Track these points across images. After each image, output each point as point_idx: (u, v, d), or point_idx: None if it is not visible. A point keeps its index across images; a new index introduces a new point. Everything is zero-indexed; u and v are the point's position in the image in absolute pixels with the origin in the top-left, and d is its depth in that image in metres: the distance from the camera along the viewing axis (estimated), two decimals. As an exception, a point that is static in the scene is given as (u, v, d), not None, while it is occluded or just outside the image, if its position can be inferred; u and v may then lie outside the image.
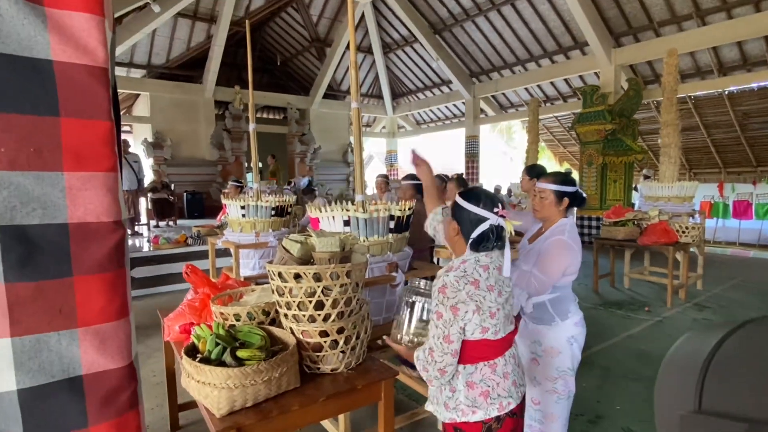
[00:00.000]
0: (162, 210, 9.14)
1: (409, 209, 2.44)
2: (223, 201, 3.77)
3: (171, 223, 9.30)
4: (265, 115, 16.44)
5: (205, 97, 11.47)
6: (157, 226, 9.20)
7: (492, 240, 1.38)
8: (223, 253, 5.95)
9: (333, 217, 2.32)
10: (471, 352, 1.36)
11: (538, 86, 11.75)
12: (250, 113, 3.90)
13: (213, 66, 10.83)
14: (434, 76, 13.57)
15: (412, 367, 1.48)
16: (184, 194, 10.62)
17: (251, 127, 3.88)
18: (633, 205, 8.70)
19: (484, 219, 1.38)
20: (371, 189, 12.34)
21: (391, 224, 2.36)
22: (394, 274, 2.36)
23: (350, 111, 14.63)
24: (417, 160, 1.92)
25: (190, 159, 11.38)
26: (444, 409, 1.39)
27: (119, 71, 11.02)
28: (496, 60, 11.48)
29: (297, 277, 1.57)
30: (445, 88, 13.67)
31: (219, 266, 4.47)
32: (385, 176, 5.88)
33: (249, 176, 16.28)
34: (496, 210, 1.40)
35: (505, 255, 1.41)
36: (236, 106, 11.89)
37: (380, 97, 15.11)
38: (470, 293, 1.32)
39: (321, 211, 2.36)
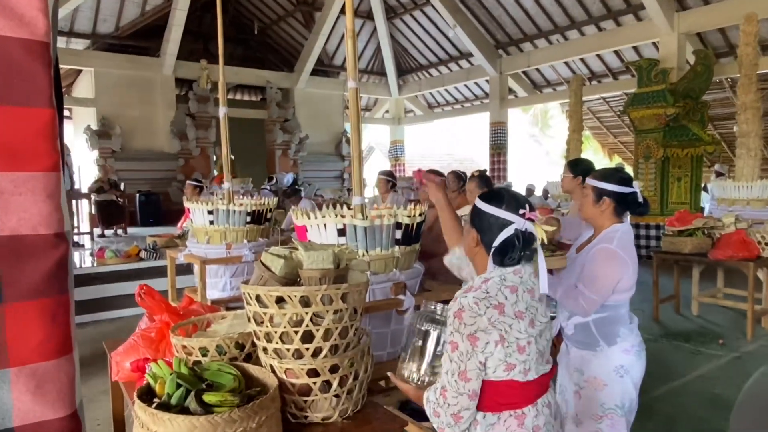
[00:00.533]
0: (109, 215, 9.19)
1: (420, 215, 2.45)
2: (186, 204, 3.79)
3: (120, 231, 9.35)
4: (238, 97, 16.57)
5: (164, 74, 11.57)
6: (102, 236, 9.25)
7: (518, 248, 1.38)
8: (186, 269, 5.96)
9: (324, 224, 2.33)
10: (493, 397, 1.34)
11: (582, 60, 11.78)
12: (221, 94, 3.92)
13: (173, 35, 10.93)
14: (450, 48, 13.62)
15: (423, 415, 1.45)
16: (137, 195, 10.69)
17: (221, 111, 3.90)
18: (702, 209, 8.68)
19: (508, 223, 1.39)
20: (371, 189, 12.36)
21: (398, 234, 2.37)
22: (401, 296, 2.36)
23: (346, 91, 14.79)
24: (427, 178, 1.97)
25: (145, 151, 11.46)
26: None
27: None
28: (528, 27, 11.52)
29: (280, 301, 1.57)
30: (464, 63, 13.71)
31: (180, 286, 4.48)
32: (389, 173, 5.90)
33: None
34: (522, 212, 1.39)
35: (540, 267, 1.41)
36: (202, 85, 12.00)
37: (383, 74, 15.19)
38: (493, 319, 1.30)
39: (309, 218, 2.37)
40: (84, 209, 9.41)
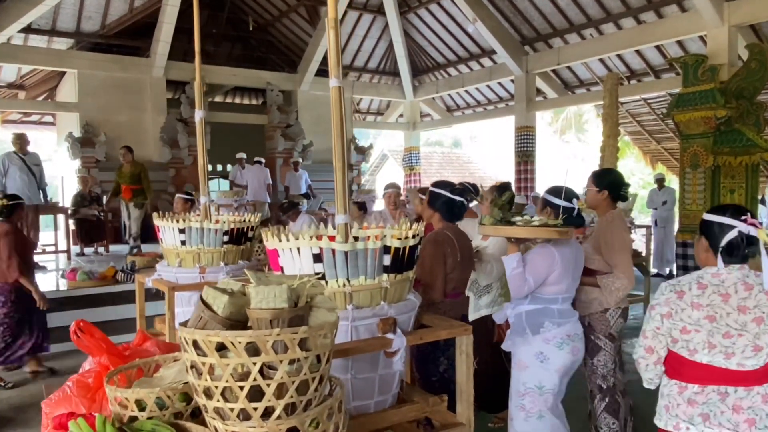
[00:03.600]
0: (89, 232, 9.15)
1: (414, 236, 2.26)
2: (156, 222, 3.65)
3: (101, 249, 9.30)
4: (237, 100, 16.62)
5: (154, 75, 11.59)
6: (81, 254, 9.20)
7: (742, 248, 1.93)
8: (159, 295, 5.85)
9: (298, 249, 2.15)
10: (666, 364, 2.02)
11: (619, 57, 11.54)
12: (197, 94, 3.80)
13: (164, 34, 10.96)
14: (471, 45, 13.49)
15: None
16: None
17: (198, 115, 3.78)
18: (760, 224, 8.33)
19: (729, 228, 1.94)
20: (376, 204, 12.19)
21: (387, 260, 2.18)
22: (389, 335, 2.16)
23: (354, 93, 14.81)
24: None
25: (132, 161, 11.44)
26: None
27: (36, 41, 11.24)
28: (558, 21, 11.34)
29: (222, 348, 1.40)
30: (485, 61, 13.56)
31: (155, 314, 4.34)
32: (399, 186, 5.70)
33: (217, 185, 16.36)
34: (743, 218, 1.95)
35: (764, 265, 1.86)
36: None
37: (396, 74, 15.10)
38: (669, 300, 1.95)
39: (280, 240, 2.19)
40: (64, 226, 9.37)
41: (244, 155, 11.92)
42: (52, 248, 8.95)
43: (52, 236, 9.03)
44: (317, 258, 2.13)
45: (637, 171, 28.61)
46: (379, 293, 2.21)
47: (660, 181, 10.58)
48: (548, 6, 11.08)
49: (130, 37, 11.88)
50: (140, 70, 11.46)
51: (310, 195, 12.23)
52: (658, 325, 1.98)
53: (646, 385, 2.10)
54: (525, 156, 12.21)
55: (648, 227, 8.79)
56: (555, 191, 2.90)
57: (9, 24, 9.46)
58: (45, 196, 7.99)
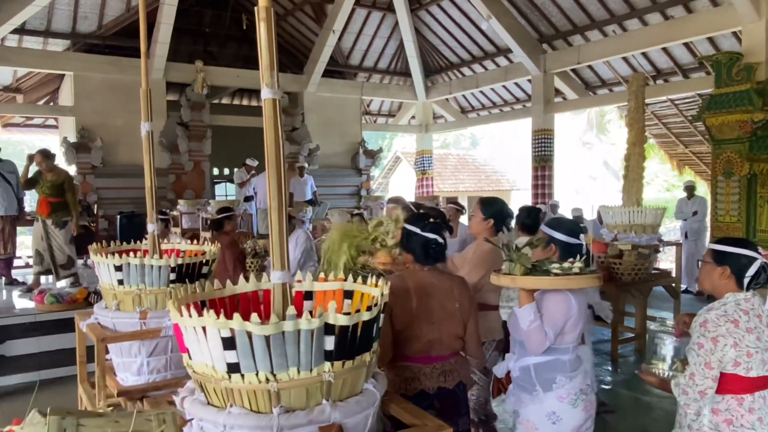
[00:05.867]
0: (78, 243, 8.65)
1: (372, 307, 1.64)
2: (92, 256, 3.07)
3: (90, 261, 8.80)
4: (244, 102, 16.16)
5: (153, 77, 11.10)
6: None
7: (763, 277, 2.20)
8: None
9: (203, 328, 1.53)
10: (721, 384, 2.16)
11: (644, 55, 10.83)
12: (142, 102, 3.23)
13: (162, 34, 10.48)
14: (485, 43, 12.85)
15: None
16: (118, 217, 10.17)
17: (144, 128, 3.20)
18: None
19: (753, 259, 2.19)
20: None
21: (328, 342, 1.56)
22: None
23: (363, 95, 14.21)
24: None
25: (129, 167, 10.97)
26: (687, 430, 2.26)
27: (31, 43, 10.84)
28: (578, 17, 10.68)
29: None
30: (501, 60, 12.93)
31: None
32: (402, 201, 4.97)
33: (226, 190, 15.87)
34: (762, 252, 2.22)
35: None
36: (197, 89, 11.51)
37: (407, 74, 14.48)
38: (729, 330, 2.13)
39: (181, 313, 1.57)
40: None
41: (255, 162, 11.42)
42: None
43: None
44: (228, 344, 1.51)
45: (661, 173, 27.63)
46: (319, 389, 1.58)
47: (689, 189, 9.77)
48: (568, 1, 10.42)
49: (127, 38, 11.42)
50: (138, 72, 10.90)
51: (316, 202, 11.67)
52: (722, 355, 2.11)
53: (693, 418, 2.25)
54: (543, 161, 11.49)
55: (678, 244, 8.02)
56: (558, 225, 2.69)
57: (0, 25, 9.04)
58: (21, 205, 7.54)
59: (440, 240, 2.43)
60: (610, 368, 5.55)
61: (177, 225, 9.48)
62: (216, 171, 15.55)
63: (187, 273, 3.05)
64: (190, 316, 1.55)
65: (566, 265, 2.31)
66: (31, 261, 8.18)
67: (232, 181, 16.78)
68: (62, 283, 7.32)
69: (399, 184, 21.57)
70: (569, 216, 9.67)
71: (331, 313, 1.54)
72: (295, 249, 6.13)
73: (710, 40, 9.74)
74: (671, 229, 15.58)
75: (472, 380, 2.61)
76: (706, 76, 9.99)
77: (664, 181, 28.39)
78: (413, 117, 15.91)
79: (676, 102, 12.21)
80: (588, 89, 12.43)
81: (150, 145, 3.22)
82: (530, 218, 4.24)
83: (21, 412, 4.43)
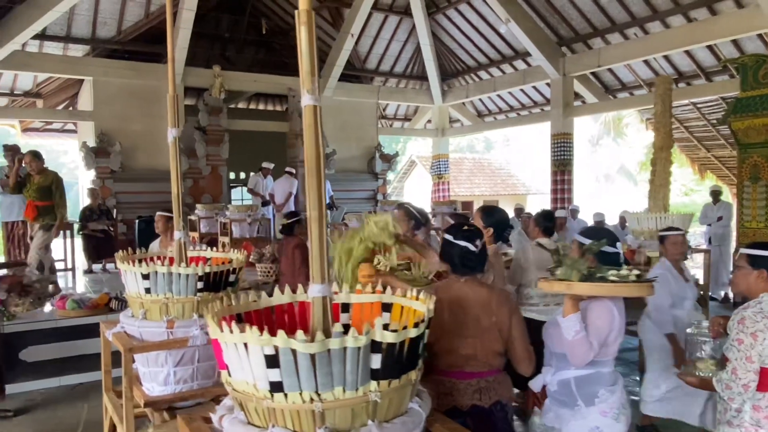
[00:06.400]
0: (96, 248, 8.69)
1: (419, 323, 1.57)
2: (119, 264, 3.03)
3: (110, 266, 8.82)
4: (261, 106, 16.20)
5: (171, 82, 11.15)
6: (89, 272, 8.77)
7: None
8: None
9: (245, 344, 1.47)
10: (762, 381, 2.22)
11: (666, 58, 10.66)
12: (169, 109, 3.20)
13: (181, 39, 10.50)
14: (503, 47, 12.75)
15: None
16: (136, 222, 10.20)
17: (171, 134, 3.16)
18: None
19: None
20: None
21: (375, 361, 1.48)
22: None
23: (379, 99, 14.14)
24: None
25: (148, 171, 11.04)
26: (727, 426, 2.30)
27: (51, 49, 10.92)
28: (598, 20, 10.56)
29: None
30: (519, 64, 12.81)
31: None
32: (408, 207, 4.80)
33: (239, 195, 15.87)
34: None
35: None
36: (215, 94, 11.54)
37: (424, 78, 14.41)
38: (767, 326, 2.20)
39: (221, 328, 1.51)
40: (76, 242, 8.94)
41: (270, 165, 11.38)
42: (61, 265, 8.49)
43: (61, 253, 8.58)
44: (272, 361, 1.44)
45: (679, 177, 27.22)
46: (364, 409, 1.51)
47: (715, 194, 9.57)
48: (588, 4, 10.30)
49: (146, 43, 11.48)
50: (157, 77, 11.03)
51: (333, 206, 11.64)
52: (761, 349, 2.19)
53: (738, 404, 2.28)
54: (562, 165, 11.36)
55: (706, 251, 7.83)
56: (593, 233, 2.64)
57: (21, 31, 9.11)
58: None
59: (472, 248, 2.33)
60: (638, 378, 5.42)
61: (194, 229, 9.48)
62: (232, 175, 15.58)
63: (214, 282, 3.00)
64: (231, 331, 1.48)
65: (624, 272, 2.25)
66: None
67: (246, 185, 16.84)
68: (82, 289, 7.33)
69: (414, 188, 21.49)
70: (591, 221, 9.54)
71: (378, 330, 1.47)
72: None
73: (734, 42, 9.57)
74: (692, 234, 15.33)
75: (512, 400, 2.49)
76: (730, 79, 9.81)
77: (683, 186, 27.99)
78: (429, 121, 15.83)
79: (699, 105, 12.03)
80: (608, 92, 12.28)
81: (176, 151, 3.19)
82: (551, 221, 4.33)
83: (43, 420, 4.42)
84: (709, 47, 9.94)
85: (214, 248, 3.69)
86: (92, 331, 5.52)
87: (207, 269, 2.93)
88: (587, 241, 2.56)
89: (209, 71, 11.55)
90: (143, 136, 10.98)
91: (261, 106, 16.23)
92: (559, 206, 11.06)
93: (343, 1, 12.28)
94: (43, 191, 6.55)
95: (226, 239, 8.58)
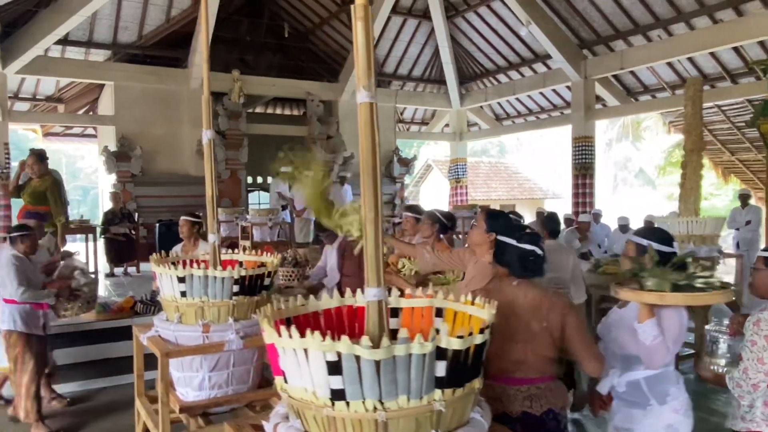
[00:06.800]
0: (118, 251, 8.72)
1: (484, 330, 1.50)
2: (153, 267, 2.99)
3: (131, 269, 8.85)
4: (278, 111, 16.19)
5: (191, 87, 11.21)
6: (111, 275, 8.79)
7: None
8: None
9: (305, 351, 1.41)
10: None
11: (690, 60, 10.49)
12: (204, 112, 3.17)
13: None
14: (523, 50, 12.64)
15: None
16: (156, 226, 10.23)
17: (206, 136, 3.13)
18: None
19: None
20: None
21: (440, 368, 1.42)
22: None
23: (397, 103, 14.08)
24: None
25: (168, 175, 11.08)
26: (741, 421, 2.37)
27: (74, 53, 11.01)
28: (621, 21, 10.42)
29: None
30: (539, 67, 12.69)
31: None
32: (433, 211, 4.70)
33: (258, 198, 15.89)
34: None
35: None
36: (234, 99, 11.55)
37: (442, 82, 14.35)
38: None
39: (279, 333, 1.45)
40: (97, 246, 8.97)
41: None
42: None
43: (83, 257, 8.61)
44: (334, 368, 1.39)
45: (710, 184, 26.79)
46: (429, 419, 1.45)
47: (744, 197, 9.36)
48: (610, 5, 10.16)
49: (167, 48, 11.55)
50: (177, 82, 11.09)
51: None
52: None
53: (749, 401, 2.32)
54: (584, 169, 11.21)
55: (739, 256, 7.65)
56: (650, 233, 2.58)
57: (44, 36, 9.18)
58: (66, 213, 7.53)
59: (539, 251, 2.28)
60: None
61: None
62: (249, 179, 15.60)
63: (249, 285, 2.95)
64: (291, 336, 1.43)
65: (713, 280, 2.32)
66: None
67: (264, 190, 16.85)
68: (104, 292, 7.33)
69: (430, 192, 21.39)
70: (615, 225, 9.39)
71: (443, 336, 1.41)
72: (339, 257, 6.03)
73: (761, 44, 9.39)
74: (722, 239, 15.08)
75: (565, 409, 2.42)
76: (755, 81, 9.59)
77: (703, 189, 27.62)
78: (447, 125, 15.74)
79: (723, 108, 11.82)
80: (629, 95, 12.12)
81: (211, 152, 3.15)
82: (557, 224, 4.40)
83: (70, 426, 4.37)
84: (735, 49, 9.75)
85: (247, 251, 3.65)
86: (118, 334, 5.52)
87: (243, 272, 2.89)
88: (644, 242, 2.53)
89: (228, 75, 11.57)
90: (163, 139, 11.03)
91: (278, 110, 16.25)
92: (581, 210, 10.93)
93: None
94: (38, 196, 6.17)
95: (247, 243, 8.56)
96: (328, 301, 1.95)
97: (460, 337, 1.42)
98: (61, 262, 4.90)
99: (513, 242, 2.30)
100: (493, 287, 2.35)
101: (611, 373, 2.46)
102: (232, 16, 12.66)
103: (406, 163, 14.12)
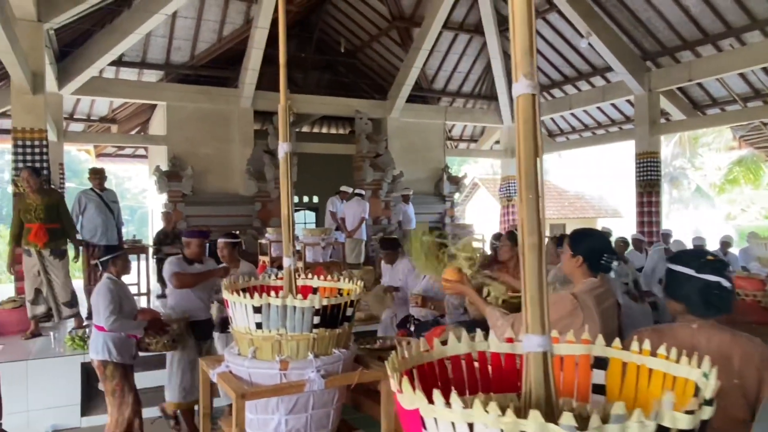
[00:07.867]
0: (168, 272, 8.54)
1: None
2: (225, 295, 2.68)
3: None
4: (324, 130, 16.08)
5: (242, 106, 11.14)
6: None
7: None
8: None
9: (452, 423, 1.05)
10: None
11: (764, 70, 9.85)
12: (281, 125, 2.87)
13: (252, 62, 10.46)
14: (580, 63, 12.16)
15: None
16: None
17: (282, 149, 2.83)
18: None
19: None
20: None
21: None
22: None
23: (447, 120, 13.76)
24: None
25: (218, 194, 10.99)
26: None
27: (127, 74, 11.09)
28: (688, 31, 9.87)
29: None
30: (597, 80, 12.18)
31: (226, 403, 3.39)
32: (514, 232, 4.36)
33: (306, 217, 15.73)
34: None
35: None
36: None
37: (492, 98, 13.95)
38: None
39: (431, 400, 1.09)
40: (150, 266, 8.88)
41: (349, 189, 11.12)
42: (135, 290, 8.40)
43: (135, 277, 8.50)
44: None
45: (757, 199, 25.43)
46: None
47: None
48: (677, 14, 9.62)
49: (218, 68, 11.53)
50: (228, 101, 11.04)
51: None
52: None
53: None
54: (649, 186, 10.59)
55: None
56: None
57: (100, 56, 9.23)
58: (120, 235, 7.43)
59: (725, 284, 1.84)
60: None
61: (265, 253, 9.26)
62: (296, 199, 15.46)
63: (331, 315, 2.60)
64: (449, 405, 1.06)
65: None
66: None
67: (310, 209, 16.68)
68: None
69: (478, 211, 20.88)
70: (689, 246, 8.74)
71: (667, 412, 1.01)
72: (406, 276, 5.71)
73: None
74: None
75: None
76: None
77: (762, 209, 26.22)
78: (497, 141, 15.30)
79: (800, 121, 11.06)
80: (696, 108, 11.47)
81: (288, 167, 2.84)
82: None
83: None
84: (818, 57, 9.09)
85: (317, 276, 3.31)
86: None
87: (325, 302, 2.54)
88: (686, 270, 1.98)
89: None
90: (213, 159, 10.96)
91: (324, 129, 16.13)
92: (647, 230, 10.31)
93: (413, 20, 12.03)
94: (52, 212, 5.94)
95: (300, 264, 8.28)
96: (456, 346, 1.57)
97: (690, 412, 1.02)
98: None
99: (691, 272, 1.87)
100: (665, 329, 1.93)
101: None
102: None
103: (456, 181, 13.72)
